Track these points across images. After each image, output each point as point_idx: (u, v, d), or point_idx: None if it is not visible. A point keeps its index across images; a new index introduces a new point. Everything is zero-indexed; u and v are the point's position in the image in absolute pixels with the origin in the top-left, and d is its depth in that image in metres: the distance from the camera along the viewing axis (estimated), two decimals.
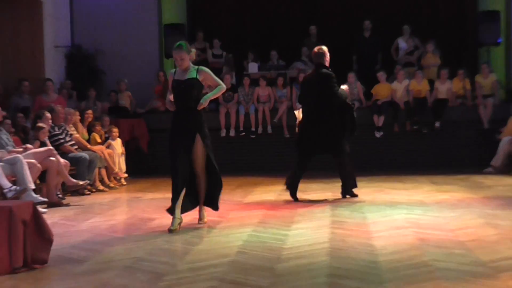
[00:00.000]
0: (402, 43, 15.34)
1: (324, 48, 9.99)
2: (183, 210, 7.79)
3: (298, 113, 10.28)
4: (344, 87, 10.11)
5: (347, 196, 9.84)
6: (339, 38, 15.84)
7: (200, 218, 8.02)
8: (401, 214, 8.27)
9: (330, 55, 9.90)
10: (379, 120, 13.92)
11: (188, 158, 7.75)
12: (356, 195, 9.84)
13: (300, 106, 10.31)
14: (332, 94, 9.67)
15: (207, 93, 7.96)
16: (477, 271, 5.36)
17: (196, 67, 7.72)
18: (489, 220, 7.68)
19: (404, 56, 15.22)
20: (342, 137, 9.77)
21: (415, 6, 16.61)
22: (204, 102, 7.66)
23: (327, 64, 9.90)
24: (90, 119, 12.82)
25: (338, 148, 9.77)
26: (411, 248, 6.33)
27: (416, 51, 15.23)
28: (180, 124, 7.81)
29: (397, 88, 14.18)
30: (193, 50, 7.78)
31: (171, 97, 7.90)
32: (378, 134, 13.96)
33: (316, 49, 10.07)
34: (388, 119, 13.97)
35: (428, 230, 7.18)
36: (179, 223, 7.63)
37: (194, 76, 7.62)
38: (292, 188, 9.89)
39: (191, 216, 8.15)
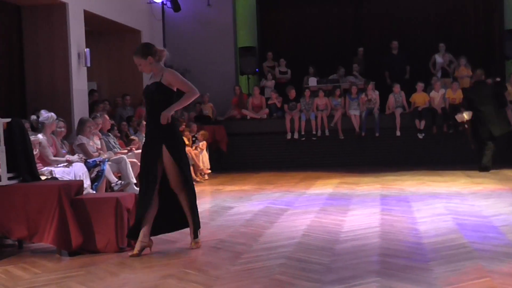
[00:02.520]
0: (439, 58, 14.99)
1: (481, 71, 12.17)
2: (155, 232, 5.80)
3: (462, 116, 11.97)
4: None
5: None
6: (381, 56, 15.62)
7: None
8: (441, 203, 8.05)
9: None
10: (421, 124, 13.65)
11: (155, 173, 5.68)
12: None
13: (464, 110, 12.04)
14: (503, 95, 12.19)
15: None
16: (510, 252, 5.15)
17: (165, 69, 5.87)
18: None
19: (441, 69, 14.88)
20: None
21: (448, 26, 16.23)
22: (166, 112, 5.63)
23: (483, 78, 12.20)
24: (183, 127, 12.87)
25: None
26: (451, 232, 6.14)
27: (451, 64, 14.89)
28: (147, 135, 5.84)
29: (435, 96, 13.86)
30: (158, 50, 5.86)
31: None
32: (420, 135, 13.69)
33: (478, 71, 12.19)
34: (427, 123, 13.67)
35: (465, 216, 6.96)
36: (143, 247, 5.61)
37: (159, 80, 5.76)
38: (486, 168, 11.54)
39: (248, 214, 8.04)
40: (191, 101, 5.99)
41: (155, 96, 5.74)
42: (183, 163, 5.77)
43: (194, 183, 11.65)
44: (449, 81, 14.38)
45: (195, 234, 5.85)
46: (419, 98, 13.91)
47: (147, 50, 5.81)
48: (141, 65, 5.80)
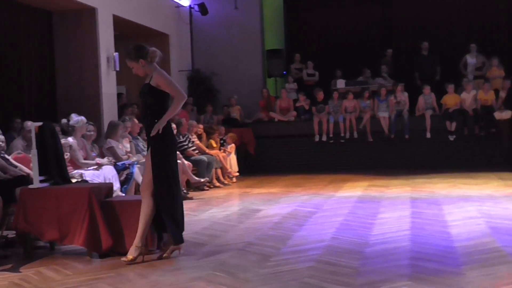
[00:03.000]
0: (470, 59, 14.78)
1: None
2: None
3: (501, 114, 12.76)
4: None
5: None
6: (410, 57, 15.48)
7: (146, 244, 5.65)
8: (473, 205, 7.94)
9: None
10: (452, 126, 13.48)
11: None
12: None
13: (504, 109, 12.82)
14: None
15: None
16: None
17: (155, 70, 5.63)
18: None
19: (473, 71, 14.67)
20: None
21: (480, 26, 15.99)
22: (159, 124, 5.47)
23: None
24: (217, 133, 12.92)
25: None
26: (483, 235, 6.05)
27: (484, 66, 14.65)
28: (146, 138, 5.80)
29: (466, 97, 13.68)
30: (150, 51, 5.63)
31: None
32: (451, 137, 13.52)
33: None
34: (458, 124, 13.50)
35: (498, 219, 6.85)
36: (139, 253, 5.51)
37: (148, 81, 5.62)
38: None
39: (279, 216, 8.01)
40: (180, 106, 5.70)
41: (147, 98, 5.61)
42: (160, 172, 5.51)
43: (221, 185, 11.74)
44: (481, 82, 14.17)
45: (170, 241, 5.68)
46: (450, 100, 13.74)
47: (139, 52, 5.62)
48: (134, 68, 5.66)
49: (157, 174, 5.53)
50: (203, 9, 15.18)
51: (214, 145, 12.61)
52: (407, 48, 15.85)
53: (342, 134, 14.11)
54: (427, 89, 13.97)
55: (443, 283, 4.37)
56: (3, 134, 7.36)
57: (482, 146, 13.44)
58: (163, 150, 5.59)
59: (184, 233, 6.35)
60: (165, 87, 5.60)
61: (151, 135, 5.51)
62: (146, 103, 5.66)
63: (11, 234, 6.50)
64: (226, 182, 12.21)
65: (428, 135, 13.70)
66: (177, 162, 5.81)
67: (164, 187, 5.55)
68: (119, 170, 8.53)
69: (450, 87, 13.81)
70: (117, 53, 11.62)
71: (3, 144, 7.46)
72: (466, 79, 14.18)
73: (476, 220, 6.87)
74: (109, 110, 11.30)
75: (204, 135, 12.64)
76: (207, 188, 11.32)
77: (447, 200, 8.53)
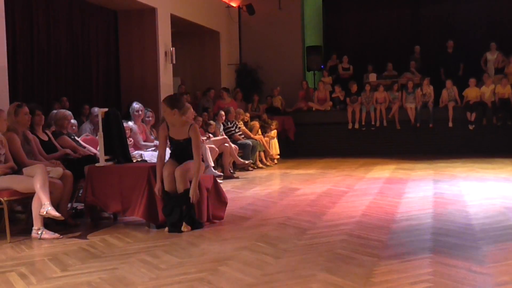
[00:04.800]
0: (490, 56, 14.38)
1: None
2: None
3: None
4: None
5: None
6: (436, 54, 15.15)
7: None
8: (490, 187, 7.76)
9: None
10: (471, 116, 13.20)
11: None
12: None
13: None
14: None
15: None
16: None
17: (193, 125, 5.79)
18: None
19: (492, 67, 14.27)
20: None
21: (499, 26, 15.53)
22: (193, 192, 5.64)
23: None
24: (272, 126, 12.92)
25: None
26: (498, 214, 5.91)
27: (502, 63, 14.23)
28: None
29: (485, 91, 13.35)
30: (185, 107, 5.92)
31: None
32: (471, 127, 13.24)
33: None
34: (478, 115, 13.19)
35: None
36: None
37: (187, 132, 5.78)
38: None
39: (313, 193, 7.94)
40: (198, 172, 5.66)
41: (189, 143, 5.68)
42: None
43: (264, 167, 11.76)
44: (500, 77, 13.79)
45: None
46: (472, 93, 13.44)
47: (177, 103, 5.67)
48: (166, 112, 5.70)
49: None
50: (250, 9, 15.13)
51: (259, 131, 12.55)
52: (433, 46, 15.54)
53: (373, 123, 13.96)
54: (449, 83, 13.73)
55: (461, 256, 4.30)
56: (74, 118, 7.51)
57: (499, 135, 13.15)
58: None
59: (230, 208, 6.44)
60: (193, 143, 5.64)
61: (191, 201, 5.59)
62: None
63: (80, 206, 6.66)
64: (268, 163, 12.22)
65: (450, 124, 13.44)
66: None
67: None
68: None
69: (472, 81, 13.52)
70: (173, 48, 11.70)
71: (75, 128, 7.63)
72: (486, 74, 13.83)
73: (492, 201, 6.72)
74: None
75: (257, 126, 12.51)
76: (251, 169, 11.35)
77: (466, 182, 8.35)
